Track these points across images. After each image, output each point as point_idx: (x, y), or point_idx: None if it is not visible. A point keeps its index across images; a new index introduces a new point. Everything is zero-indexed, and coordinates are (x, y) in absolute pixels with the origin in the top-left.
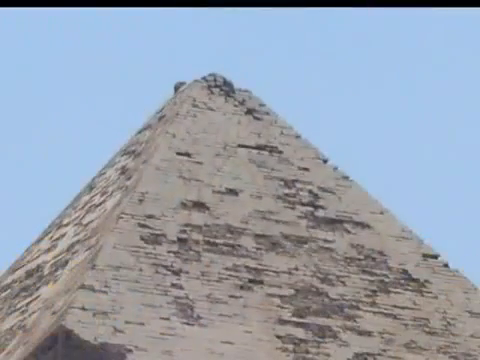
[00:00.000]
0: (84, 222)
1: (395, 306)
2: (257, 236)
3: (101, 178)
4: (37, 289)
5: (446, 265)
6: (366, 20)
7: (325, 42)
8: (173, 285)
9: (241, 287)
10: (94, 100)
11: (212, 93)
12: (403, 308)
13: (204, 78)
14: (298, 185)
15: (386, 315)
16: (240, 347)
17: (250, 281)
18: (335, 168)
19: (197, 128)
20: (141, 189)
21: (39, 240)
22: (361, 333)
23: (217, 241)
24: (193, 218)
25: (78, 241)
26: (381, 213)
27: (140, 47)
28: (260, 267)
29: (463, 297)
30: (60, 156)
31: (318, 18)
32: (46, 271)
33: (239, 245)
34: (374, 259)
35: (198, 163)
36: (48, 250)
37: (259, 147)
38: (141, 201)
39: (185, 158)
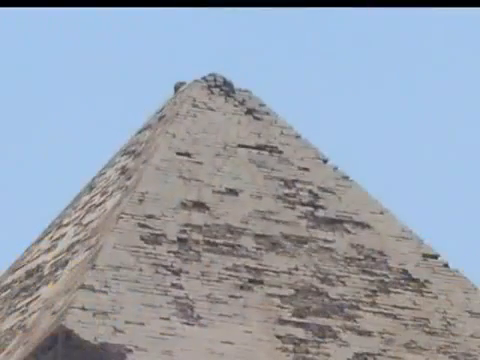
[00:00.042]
0: (84, 222)
1: (395, 306)
2: (257, 236)
3: (101, 178)
4: (37, 289)
5: (446, 265)
6: (366, 20)
7: (325, 42)
8: (173, 285)
9: (241, 287)
10: (94, 100)
11: (212, 93)
12: (403, 308)
13: (204, 78)
14: (298, 185)
15: (386, 315)
16: (240, 347)
17: (250, 281)
18: (335, 168)
19: (197, 128)
20: (141, 189)
21: (39, 240)
22: (361, 333)
23: (217, 241)
24: (193, 218)
25: (78, 241)
26: (381, 213)
27: (140, 47)
28: (260, 267)
29: (463, 297)
30: (60, 156)
31: (318, 18)
32: (46, 271)
33: (239, 245)
34: (374, 259)
35: (198, 163)
36: (48, 250)
37: (259, 147)
38: (141, 201)
39: (185, 158)
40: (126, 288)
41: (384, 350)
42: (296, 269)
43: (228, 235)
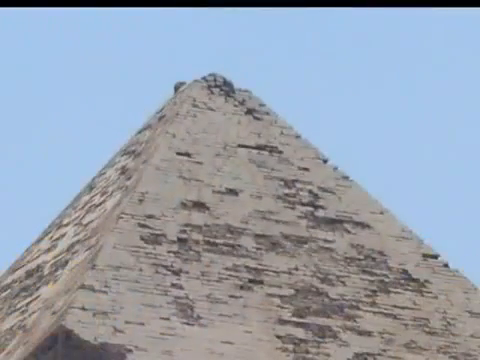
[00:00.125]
0: (84, 222)
1: (395, 306)
2: (257, 236)
3: (101, 178)
4: (37, 289)
5: (446, 265)
6: (366, 20)
7: (325, 42)
8: (173, 285)
9: (241, 287)
10: (94, 100)
11: (212, 93)
12: (403, 308)
13: (204, 78)
14: (298, 185)
15: (386, 315)
16: (240, 347)
17: (250, 281)
18: (335, 168)
19: (197, 128)
20: (141, 189)
21: (39, 240)
22: (361, 333)
23: (217, 241)
24: (193, 218)
25: (78, 241)
26: (381, 213)
27: (140, 47)
28: (260, 267)
29: (463, 297)
30: (60, 156)
31: (318, 18)
32: (46, 271)
33: (239, 245)
34: (374, 259)
35: (198, 163)
36: (48, 250)
37: (259, 147)
38: (141, 201)
39: (185, 158)
40: (126, 288)
41: (384, 350)
42: (296, 269)
43: (228, 235)
